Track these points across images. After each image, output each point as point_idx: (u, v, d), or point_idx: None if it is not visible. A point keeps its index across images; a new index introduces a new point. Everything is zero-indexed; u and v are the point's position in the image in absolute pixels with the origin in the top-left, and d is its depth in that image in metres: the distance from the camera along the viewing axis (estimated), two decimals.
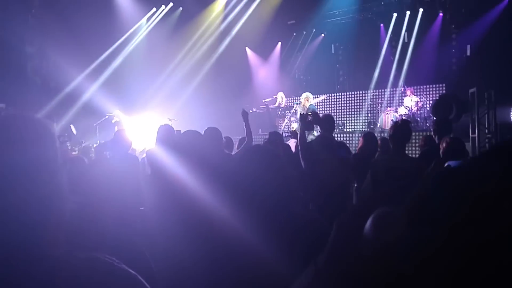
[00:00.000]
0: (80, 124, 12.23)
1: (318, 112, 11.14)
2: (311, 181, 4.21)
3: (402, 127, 4.16)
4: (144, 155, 6.54)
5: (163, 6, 14.20)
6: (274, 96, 12.94)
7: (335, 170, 4.00)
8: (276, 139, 5.92)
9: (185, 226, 3.36)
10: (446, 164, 1.99)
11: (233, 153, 5.80)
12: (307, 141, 5.13)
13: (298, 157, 4.77)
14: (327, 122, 5.05)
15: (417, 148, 8.09)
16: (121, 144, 4.66)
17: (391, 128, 4.31)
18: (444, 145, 4.13)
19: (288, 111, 12.87)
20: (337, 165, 4.03)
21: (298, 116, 10.08)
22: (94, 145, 9.08)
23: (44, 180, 0.97)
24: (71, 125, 12.01)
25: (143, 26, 14.32)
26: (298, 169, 4.54)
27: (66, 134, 11.68)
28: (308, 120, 5.20)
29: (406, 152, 4.31)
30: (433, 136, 4.91)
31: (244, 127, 5.07)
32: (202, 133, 4.51)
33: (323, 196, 3.96)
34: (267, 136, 11.32)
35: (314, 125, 5.51)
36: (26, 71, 13.28)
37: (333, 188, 3.91)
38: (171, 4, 14.10)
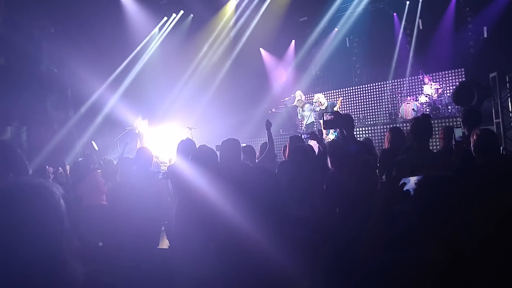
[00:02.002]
0: (101, 139, 12.43)
1: (336, 103, 11.17)
2: (338, 185, 4.21)
3: (422, 122, 4.12)
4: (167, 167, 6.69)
5: (174, 14, 14.31)
6: (292, 95, 12.94)
7: (359, 174, 3.99)
8: (298, 141, 5.95)
9: (207, 238, 3.43)
10: (401, 182, 1.98)
11: (256, 160, 5.85)
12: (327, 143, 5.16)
13: (322, 159, 4.80)
14: (345, 122, 5.06)
15: (437, 140, 7.95)
16: (143, 162, 4.76)
17: (411, 124, 4.28)
18: (474, 137, 4.04)
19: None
20: (361, 169, 4.02)
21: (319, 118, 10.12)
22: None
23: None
24: (93, 142, 12.23)
25: (156, 36, 14.48)
26: (323, 171, 4.56)
27: (88, 152, 11.97)
28: (329, 120, 5.23)
29: (430, 144, 4.28)
30: (462, 127, 4.83)
31: (267, 135, 5.51)
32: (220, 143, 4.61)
33: (349, 201, 3.96)
34: (287, 135, 11.39)
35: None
36: (44, 87, 13.57)
37: (358, 192, 3.91)
38: (181, 12, 14.21)
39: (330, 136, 9.76)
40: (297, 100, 12.39)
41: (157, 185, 4.87)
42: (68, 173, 8.43)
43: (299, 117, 12.43)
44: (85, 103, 13.52)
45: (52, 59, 13.78)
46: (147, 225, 4.48)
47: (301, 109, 12.10)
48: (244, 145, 6.16)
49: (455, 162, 3.82)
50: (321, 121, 5.81)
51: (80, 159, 11.14)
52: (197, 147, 4.58)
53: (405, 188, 1.98)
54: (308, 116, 11.64)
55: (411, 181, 1.97)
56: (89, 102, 13.36)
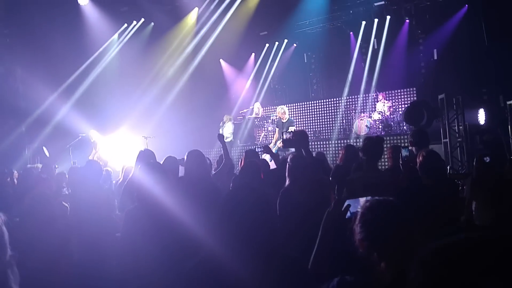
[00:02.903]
0: (53, 146, 12.03)
1: (295, 121, 11.36)
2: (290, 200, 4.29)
3: (376, 144, 4.30)
4: (121, 175, 6.56)
5: (134, 22, 14.13)
6: (251, 107, 13.05)
7: (312, 190, 4.09)
8: (253, 156, 6.00)
9: (168, 252, 3.40)
10: (346, 204, 2.07)
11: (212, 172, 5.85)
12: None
13: (276, 174, 4.89)
14: (303, 140, 5.17)
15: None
16: (93, 175, 4.67)
17: (363, 143, 4.44)
18: (420, 158, 4.24)
19: (265, 121, 12.99)
20: (314, 186, 4.12)
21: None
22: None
23: None
24: (44, 148, 11.82)
25: (115, 43, 14.23)
26: (276, 186, 4.64)
27: (39, 157, 11.53)
28: (288, 138, 5.33)
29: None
30: (410, 146, 5.04)
31: (222, 148, 5.56)
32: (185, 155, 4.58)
33: (300, 216, 4.04)
34: (245, 147, 11.47)
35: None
36: None
37: (310, 208, 4.00)
38: (142, 20, 14.05)
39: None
40: (256, 113, 12.53)
41: (107, 198, 4.78)
42: (15, 180, 8.11)
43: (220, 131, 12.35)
44: (37, 108, 13.03)
45: (3, 60, 13.25)
46: (99, 238, 4.39)
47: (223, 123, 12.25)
48: None
49: (403, 181, 3.99)
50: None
51: (29, 165, 10.74)
52: (154, 156, 4.55)
53: (352, 210, 2.05)
54: (229, 136, 11.84)
55: (359, 202, 2.02)
56: (42, 107, 12.88)
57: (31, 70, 12.17)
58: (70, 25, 12.56)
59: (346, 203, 2.07)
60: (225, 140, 10.78)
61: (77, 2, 12.37)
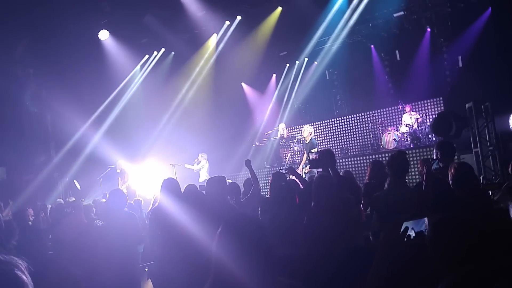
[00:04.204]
0: (84, 178, 12.29)
1: (317, 143, 11.17)
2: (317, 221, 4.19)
3: (397, 159, 4.16)
4: (152, 204, 6.60)
5: (155, 52, 14.44)
6: (276, 128, 13.00)
7: (336, 210, 3.97)
8: (281, 178, 5.90)
9: (193, 280, 3.35)
10: (403, 227, 2.06)
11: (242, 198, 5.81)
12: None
13: (304, 195, 4.79)
14: (329, 159, 5.08)
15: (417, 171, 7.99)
16: (118, 205, 4.73)
17: (387, 160, 4.31)
18: (452, 171, 4.08)
19: (291, 142, 12.89)
20: (339, 206, 4.00)
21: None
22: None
23: None
24: (75, 181, 12.09)
25: (138, 74, 14.55)
26: (305, 207, 4.54)
27: (70, 191, 11.76)
28: (315, 159, 5.27)
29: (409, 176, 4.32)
30: (437, 159, 4.87)
31: (249, 173, 5.61)
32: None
33: (324, 235, 3.93)
34: (272, 168, 11.36)
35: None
36: (26, 130, 13.47)
37: (332, 227, 3.88)
38: (163, 50, 14.35)
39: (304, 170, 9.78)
40: (281, 134, 12.47)
41: (134, 225, 4.83)
42: (48, 213, 8.37)
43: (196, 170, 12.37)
44: (67, 142, 13.42)
45: (34, 99, 13.73)
46: (127, 264, 4.46)
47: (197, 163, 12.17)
48: (229, 181, 6.12)
49: (427, 195, 3.85)
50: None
51: (58, 200, 10.98)
52: (181, 185, 4.56)
53: (408, 233, 2.07)
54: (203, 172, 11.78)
55: (423, 222, 2.12)
56: (71, 141, 13.26)
57: (59, 106, 12.53)
58: (94, 59, 12.94)
59: (404, 226, 2.09)
60: (199, 181, 10.92)
61: (98, 37, 12.72)
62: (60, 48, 11.82)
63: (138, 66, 14.48)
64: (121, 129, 13.47)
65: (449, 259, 1.83)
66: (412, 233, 2.09)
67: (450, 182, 4.12)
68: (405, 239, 2.07)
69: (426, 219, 2.13)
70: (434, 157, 4.64)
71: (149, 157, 12.37)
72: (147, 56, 14.46)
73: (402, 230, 2.08)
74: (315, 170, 7.73)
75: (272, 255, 1.92)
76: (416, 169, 8.60)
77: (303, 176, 7.94)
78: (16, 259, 1.05)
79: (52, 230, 6.80)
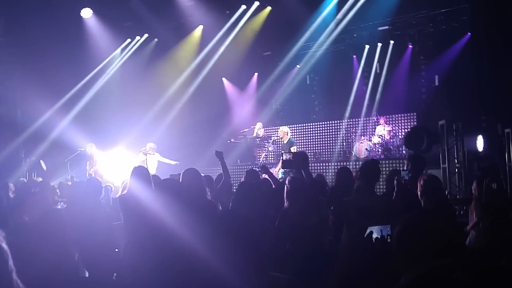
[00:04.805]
0: (51, 160, 11.97)
1: (296, 142, 11.30)
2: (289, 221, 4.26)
3: (371, 167, 4.29)
4: (120, 190, 6.53)
5: (138, 37, 14.21)
6: (252, 127, 13.04)
7: (309, 211, 4.06)
8: (254, 176, 5.95)
9: (163, 264, 3.36)
10: (368, 231, 2.18)
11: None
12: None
13: (276, 194, 4.85)
14: (303, 161, 5.15)
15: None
16: (93, 190, 4.70)
17: (360, 167, 4.44)
18: (422, 182, 4.26)
19: (266, 142, 12.96)
20: (312, 207, 4.09)
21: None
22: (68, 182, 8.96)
23: None
24: (41, 161, 11.76)
25: (117, 58, 14.28)
26: (277, 207, 4.60)
27: (36, 173, 11.47)
28: (288, 159, 5.33)
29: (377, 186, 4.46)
30: (407, 170, 5.03)
31: (221, 165, 5.48)
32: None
33: (297, 237, 4.01)
34: (245, 166, 11.36)
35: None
36: None
37: (305, 228, 3.97)
38: (146, 35, 14.13)
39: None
40: (257, 133, 12.51)
41: (105, 213, 4.82)
42: (11, 193, 8.14)
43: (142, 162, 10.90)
44: (35, 121, 12.95)
45: (2, 72, 13.25)
46: (98, 251, 4.43)
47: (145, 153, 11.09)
48: (202, 175, 6.13)
49: (396, 204, 3.99)
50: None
51: (21, 178, 10.70)
52: (155, 172, 4.56)
53: (374, 236, 2.16)
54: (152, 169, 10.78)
55: (385, 228, 2.18)
56: (40, 121, 12.79)
57: (30, 82, 12.13)
58: (72, 38, 12.56)
59: (368, 230, 2.18)
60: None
61: (80, 15, 12.42)
62: (37, 19, 11.42)
63: (119, 50, 14.18)
64: (94, 114, 13.07)
65: (414, 255, 1.87)
66: (375, 236, 2.17)
67: (419, 192, 4.30)
68: (369, 243, 2.15)
69: (389, 226, 2.19)
70: (405, 168, 4.80)
71: (120, 145, 12.09)
72: (129, 40, 14.20)
73: (366, 234, 2.17)
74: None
75: (261, 250, 1.96)
76: (383, 179, 8.84)
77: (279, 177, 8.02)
78: None
79: (14, 210, 6.64)
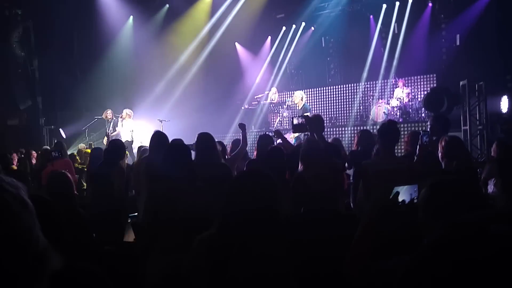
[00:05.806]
0: (70, 128, 12.13)
1: (310, 108, 11.09)
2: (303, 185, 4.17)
3: (388, 128, 4.12)
4: (138, 156, 6.54)
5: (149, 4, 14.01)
6: (266, 92, 12.86)
7: (322, 173, 3.95)
8: (267, 141, 5.86)
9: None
10: (394, 192, 2.06)
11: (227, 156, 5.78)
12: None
13: (290, 158, 4.76)
14: (316, 125, 5.01)
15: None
16: (113, 154, 4.89)
17: (378, 129, 4.28)
18: (443, 143, 4.10)
19: (280, 107, 12.79)
20: (326, 171, 3.97)
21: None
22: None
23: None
24: (60, 129, 11.90)
25: (130, 25, 14.13)
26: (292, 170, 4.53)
27: (55, 140, 11.61)
28: (299, 123, 5.21)
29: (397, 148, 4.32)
30: (430, 132, 4.86)
31: (241, 135, 5.60)
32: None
33: (311, 200, 3.93)
34: (259, 132, 11.28)
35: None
36: (11, 74, 13.16)
37: (322, 193, 3.87)
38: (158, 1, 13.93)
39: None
40: (271, 98, 12.34)
41: (122, 178, 4.84)
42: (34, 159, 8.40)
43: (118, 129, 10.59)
44: (54, 90, 13.19)
45: (21, 42, 13.32)
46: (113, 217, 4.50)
47: (121, 123, 10.47)
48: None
49: (417, 166, 3.84)
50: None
51: (45, 147, 10.82)
52: (130, 138, 4.57)
53: (400, 198, 2.05)
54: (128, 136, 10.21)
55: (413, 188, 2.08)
56: (58, 89, 13.00)
57: (49, 52, 12.22)
58: (87, 8, 12.64)
59: (394, 191, 2.07)
60: (126, 140, 9.80)
61: None
62: None
63: (131, 18, 14.02)
64: (109, 82, 13.17)
65: (441, 217, 1.77)
66: (402, 198, 2.06)
67: (439, 154, 4.14)
68: (396, 204, 2.04)
69: (416, 185, 2.08)
70: (428, 129, 4.62)
71: (137, 112, 12.13)
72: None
73: (392, 194, 2.06)
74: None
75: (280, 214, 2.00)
76: (402, 142, 8.65)
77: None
78: (19, 183, 1.01)
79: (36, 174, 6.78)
